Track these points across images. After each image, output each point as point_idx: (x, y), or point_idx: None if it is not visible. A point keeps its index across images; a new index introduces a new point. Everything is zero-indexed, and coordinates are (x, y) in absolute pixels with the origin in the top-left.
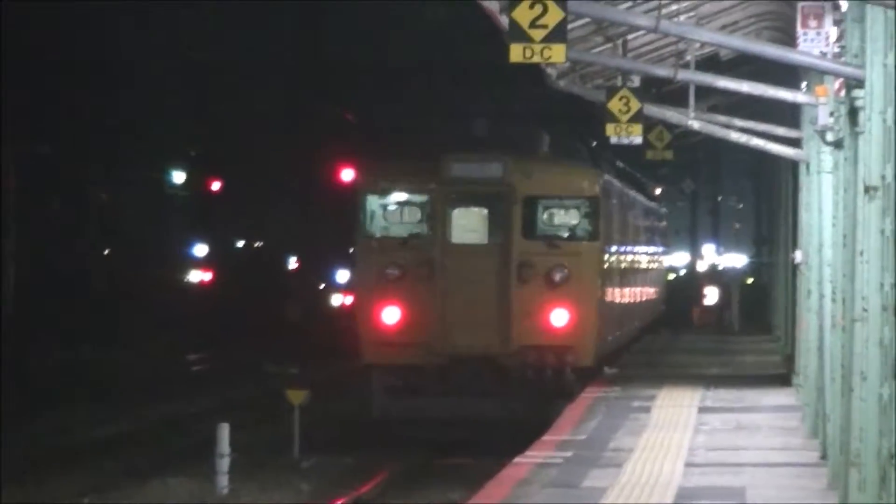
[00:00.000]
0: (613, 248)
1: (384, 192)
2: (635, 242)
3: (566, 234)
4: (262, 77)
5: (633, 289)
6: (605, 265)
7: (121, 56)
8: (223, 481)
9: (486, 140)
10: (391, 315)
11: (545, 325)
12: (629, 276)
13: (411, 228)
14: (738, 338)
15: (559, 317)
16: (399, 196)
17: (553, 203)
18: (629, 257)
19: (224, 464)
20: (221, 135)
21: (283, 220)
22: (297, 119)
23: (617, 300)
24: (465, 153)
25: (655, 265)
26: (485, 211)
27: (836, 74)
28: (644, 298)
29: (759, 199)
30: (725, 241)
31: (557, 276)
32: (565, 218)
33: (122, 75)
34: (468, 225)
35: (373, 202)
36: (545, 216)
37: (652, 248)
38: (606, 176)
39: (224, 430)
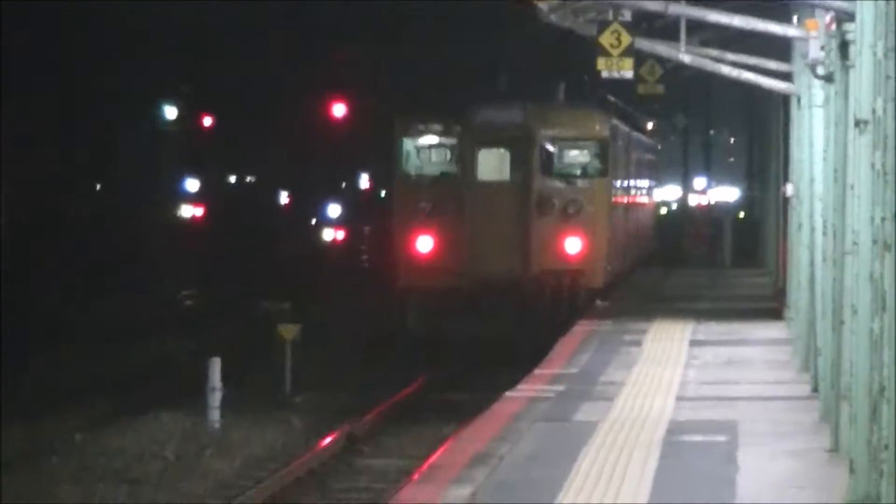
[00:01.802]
0: (619, 184)
1: (418, 136)
2: (636, 178)
3: (579, 172)
4: (256, 15)
5: (634, 221)
6: (613, 199)
7: None
8: (215, 415)
9: (509, 90)
10: (425, 245)
11: (561, 253)
12: (631, 209)
13: (442, 168)
14: (729, 272)
15: (573, 245)
16: (431, 139)
17: (568, 144)
18: (631, 192)
19: (215, 398)
20: (214, 71)
21: (275, 156)
22: (291, 54)
23: (621, 231)
24: (489, 101)
25: (650, 200)
26: (507, 152)
27: (827, 8)
28: (643, 230)
29: (750, 133)
30: (717, 176)
31: (572, 209)
32: (578, 157)
33: (115, 13)
34: (492, 164)
35: (408, 145)
36: (561, 156)
37: (648, 184)
38: (614, 119)
39: (216, 365)
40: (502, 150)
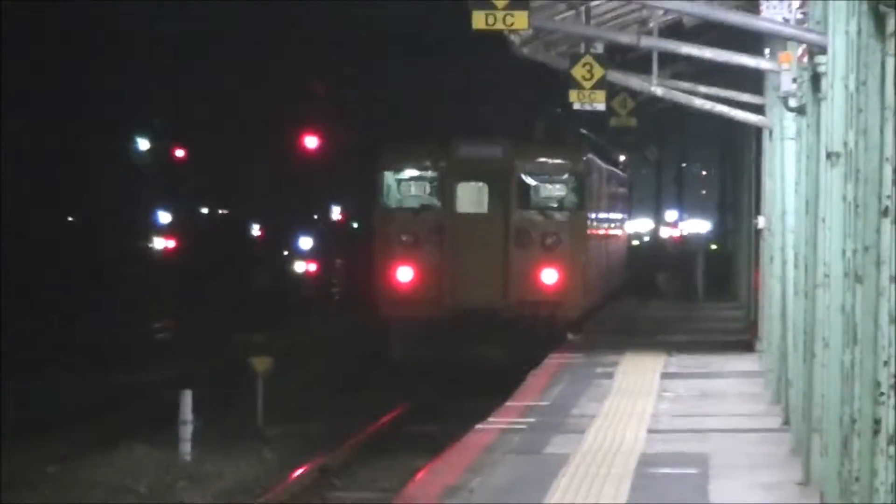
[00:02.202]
0: (594, 218)
1: (399, 170)
2: (610, 211)
3: (556, 205)
4: (228, 47)
5: (608, 253)
6: (588, 232)
7: (88, 26)
8: (186, 448)
9: (490, 123)
10: (406, 275)
11: (538, 284)
12: (605, 242)
13: (423, 200)
14: (701, 304)
15: (550, 276)
16: (412, 173)
17: (545, 179)
18: (605, 225)
19: (187, 431)
20: (187, 104)
21: (248, 188)
22: (263, 88)
23: (596, 263)
24: (470, 136)
25: (622, 232)
26: (486, 186)
27: (799, 41)
28: (616, 263)
29: (723, 165)
30: (690, 208)
31: (549, 242)
32: (556, 191)
33: (89, 45)
34: (472, 197)
35: (389, 178)
36: (538, 190)
37: (621, 216)
38: (589, 154)
39: (187, 397)
40: (481, 184)
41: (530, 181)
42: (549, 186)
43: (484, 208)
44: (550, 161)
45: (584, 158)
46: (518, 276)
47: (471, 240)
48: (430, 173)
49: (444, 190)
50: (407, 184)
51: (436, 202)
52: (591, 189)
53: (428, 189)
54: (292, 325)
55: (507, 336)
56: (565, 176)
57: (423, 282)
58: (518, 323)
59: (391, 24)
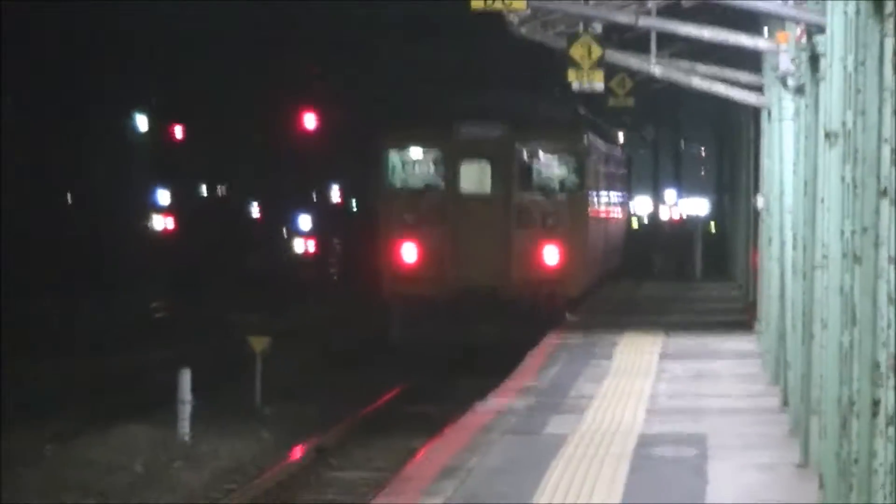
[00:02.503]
0: (594, 198)
1: (403, 150)
2: (610, 191)
3: (557, 186)
4: (227, 26)
5: (607, 233)
6: (589, 212)
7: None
8: (184, 427)
9: (491, 106)
10: (409, 254)
11: (539, 263)
12: (605, 222)
13: (426, 180)
14: (699, 285)
15: (551, 255)
16: (416, 153)
17: (546, 160)
18: (605, 205)
19: (185, 410)
20: (185, 82)
21: (246, 167)
22: (262, 67)
23: (596, 242)
24: (472, 117)
25: (622, 212)
26: (488, 166)
27: (798, 21)
28: (615, 242)
29: (721, 145)
30: (688, 188)
31: (550, 221)
32: (556, 172)
33: (88, 24)
34: (474, 178)
35: (394, 158)
36: (539, 171)
37: (620, 197)
38: (590, 135)
39: (185, 377)
40: (484, 164)
41: (531, 162)
42: (549, 167)
43: (486, 189)
44: (551, 142)
45: (584, 139)
46: (519, 256)
47: (473, 220)
48: (433, 154)
49: (447, 170)
50: (410, 164)
51: (439, 182)
52: (590, 170)
53: (431, 169)
54: (290, 305)
55: (508, 314)
56: (566, 157)
57: (426, 261)
58: (519, 301)
59: (391, 5)
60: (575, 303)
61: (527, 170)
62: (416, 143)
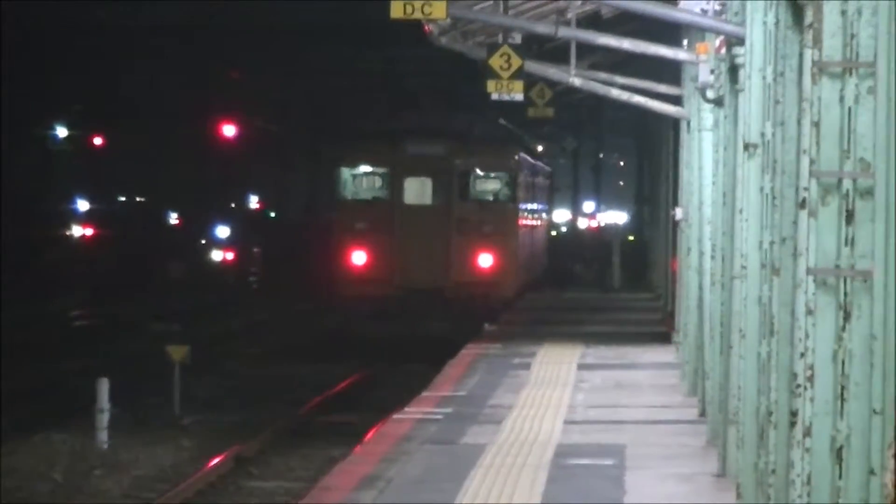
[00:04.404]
0: (523, 209)
1: (354, 166)
2: (535, 202)
3: (492, 198)
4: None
5: (533, 241)
6: (519, 222)
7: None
8: (103, 436)
9: (433, 125)
10: (360, 258)
11: (477, 267)
12: (532, 231)
13: (375, 193)
14: (618, 295)
15: (487, 260)
16: (366, 168)
17: (482, 174)
18: (531, 215)
19: (103, 419)
20: (106, 90)
21: (166, 176)
22: (182, 75)
23: (525, 250)
24: (416, 136)
25: (543, 222)
26: (430, 180)
27: (717, 32)
28: (539, 251)
29: (640, 156)
30: (607, 199)
31: (486, 230)
32: (491, 185)
33: (7, 31)
34: (418, 190)
35: (346, 173)
36: (476, 184)
37: (542, 207)
38: (521, 153)
39: (104, 385)
40: (426, 179)
41: (469, 176)
42: (485, 181)
43: (428, 200)
44: (487, 158)
45: (517, 156)
46: (459, 260)
47: (417, 228)
48: (380, 169)
49: (393, 183)
50: (360, 178)
51: (386, 194)
52: (521, 183)
53: (379, 183)
54: (210, 313)
55: (449, 312)
56: (500, 172)
57: (375, 264)
58: (459, 301)
59: (310, 13)
60: (508, 301)
61: (465, 183)
62: (366, 160)
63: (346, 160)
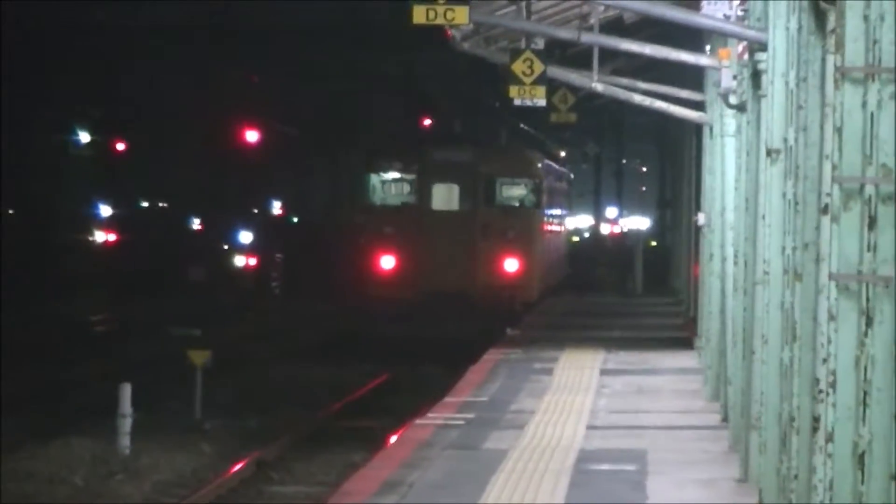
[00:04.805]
0: (546, 214)
1: (383, 172)
2: (557, 208)
3: (517, 204)
4: (168, 38)
5: (556, 246)
6: (543, 226)
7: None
8: (125, 441)
9: (460, 133)
10: (388, 262)
11: (501, 271)
12: (555, 235)
13: (403, 198)
14: (640, 300)
15: (511, 264)
16: (394, 175)
17: (507, 180)
18: (555, 220)
19: (126, 424)
20: (127, 95)
21: (188, 181)
22: (203, 80)
23: (548, 253)
24: (443, 143)
25: (564, 228)
26: (457, 186)
27: (740, 37)
28: (561, 254)
29: (662, 162)
30: (629, 204)
31: (510, 235)
32: (516, 191)
33: (29, 36)
34: (444, 196)
35: (374, 179)
36: (501, 190)
37: (563, 212)
38: (545, 160)
39: (126, 390)
40: (453, 185)
41: (494, 183)
42: (510, 187)
43: (455, 206)
44: (512, 165)
45: (541, 163)
46: (483, 264)
47: (444, 233)
48: (408, 175)
49: (421, 189)
50: (389, 184)
51: (413, 200)
52: (545, 189)
53: (407, 189)
54: (231, 317)
55: (474, 314)
56: (525, 178)
57: (403, 268)
58: (484, 304)
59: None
60: (531, 305)
61: (490, 189)
62: (394, 167)
63: (375, 166)
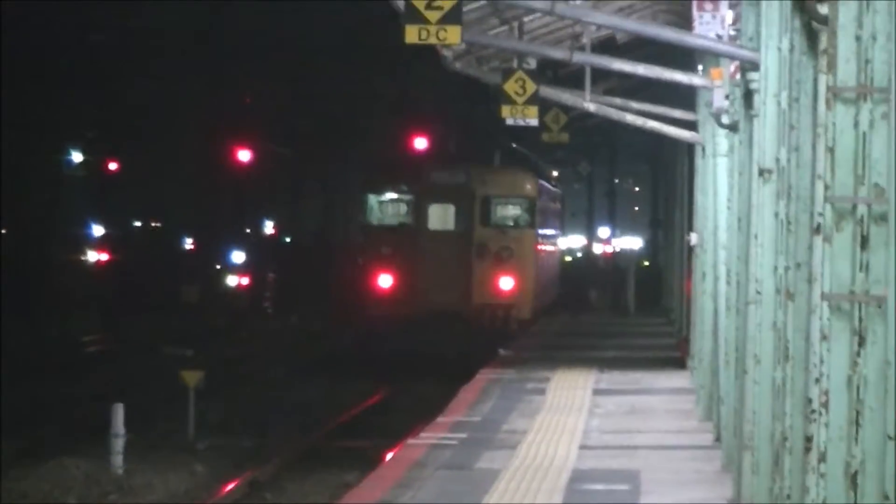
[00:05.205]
0: (540, 234)
1: (381, 193)
2: (550, 228)
3: (511, 223)
4: (160, 58)
5: (549, 265)
6: (536, 246)
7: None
8: (118, 461)
9: (455, 154)
10: (386, 281)
11: (496, 289)
12: (548, 255)
13: (400, 219)
14: (633, 320)
15: (506, 283)
16: (391, 195)
17: (502, 201)
18: (547, 240)
19: (118, 444)
20: (119, 117)
21: (180, 201)
22: (197, 101)
23: (542, 272)
24: (439, 165)
25: (556, 247)
26: (452, 206)
27: (732, 57)
28: (554, 273)
29: (655, 181)
30: (622, 224)
31: (505, 254)
32: (511, 211)
33: (23, 57)
34: (441, 216)
35: (372, 200)
36: (496, 210)
37: (555, 232)
38: (540, 180)
39: (119, 411)
40: (449, 205)
41: (489, 203)
42: (505, 207)
43: (451, 226)
44: (507, 186)
45: (535, 183)
46: (479, 283)
47: (440, 252)
48: (405, 196)
49: (418, 210)
50: (386, 205)
51: (410, 220)
52: (539, 209)
53: (404, 209)
54: (223, 337)
55: (469, 332)
56: (519, 198)
57: (400, 286)
58: (479, 321)
59: (324, 37)
60: (526, 324)
61: (486, 210)
62: (392, 188)
63: (373, 187)
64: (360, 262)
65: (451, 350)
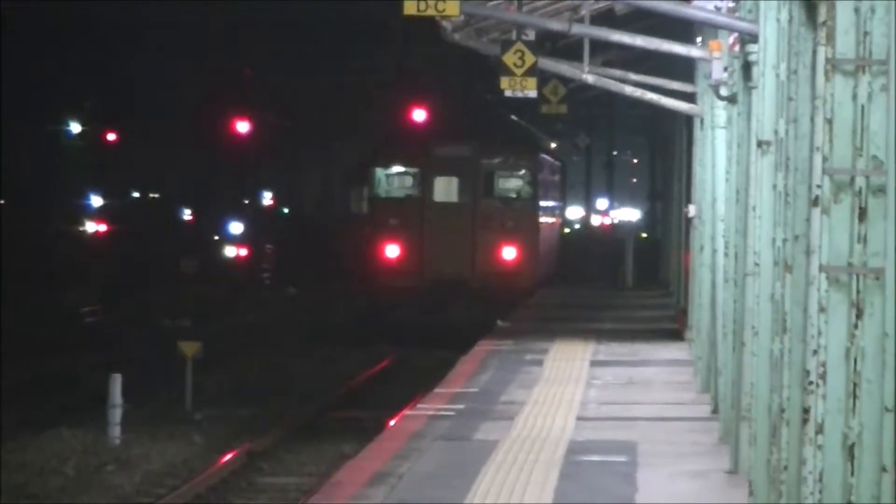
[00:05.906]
0: (542, 205)
1: (388, 167)
2: (551, 200)
3: (514, 195)
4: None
5: (550, 236)
6: (539, 217)
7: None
8: (115, 432)
9: (459, 127)
10: (392, 252)
11: (499, 259)
12: (549, 226)
13: (406, 191)
14: (631, 292)
15: (509, 253)
16: (398, 169)
17: (505, 174)
18: (548, 212)
19: (116, 415)
20: (118, 86)
21: (179, 172)
22: (196, 73)
23: (543, 243)
24: (444, 138)
25: (557, 219)
26: (457, 179)
27: (731, 29)
28: (555, 245)
29: (653, 154)
30: (620, 196)
31: (508, 225)
32: (514, 184)
33: (19, 26)
34: (446, 189)
35: (380, 174)
36: (500, 182)
37: (556, 204)
38: (541, 154)
39: (116, 382)
40: (454, 178)
41: (493, 176)
42: (508, 180)
43: (455, 198)
44: (509, 158)
45: (537, 156)
46: (483, 253)
47: (445, 224)
48: (412, 169)
49: (424, 183)
50: (393, 178)
51: (416, 193)
52: (541, 182)
53: (410, 182)
54: (222, 309)
55: (474, 301)
56: (521, 171)
57: (406, 257)
58: (483, 291)
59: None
60: (528, 293)
61: (489, 182)
62: (398, 161)
63: (380, 161)
64: (367, 234)
65: (455, 320)
